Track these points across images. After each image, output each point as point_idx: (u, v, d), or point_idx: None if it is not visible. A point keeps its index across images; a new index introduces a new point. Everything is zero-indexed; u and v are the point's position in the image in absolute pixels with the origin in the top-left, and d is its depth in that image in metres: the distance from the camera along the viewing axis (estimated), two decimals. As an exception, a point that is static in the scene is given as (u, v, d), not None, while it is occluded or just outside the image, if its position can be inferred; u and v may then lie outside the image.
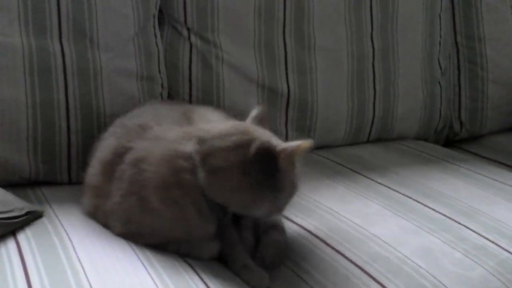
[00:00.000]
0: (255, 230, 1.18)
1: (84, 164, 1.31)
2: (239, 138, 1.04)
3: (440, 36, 1.80)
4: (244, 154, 1.03)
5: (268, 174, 1.04)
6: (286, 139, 1.60)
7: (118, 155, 1.13)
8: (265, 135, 1.08)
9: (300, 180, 1.09)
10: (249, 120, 1.14)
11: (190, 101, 1.52)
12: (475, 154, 1.80)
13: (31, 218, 1.15)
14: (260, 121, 1.14)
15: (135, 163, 1.10)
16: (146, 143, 1.12)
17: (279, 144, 1.05)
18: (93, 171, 1.18)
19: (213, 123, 1.16)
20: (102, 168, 1.16)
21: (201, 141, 1.06)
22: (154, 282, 0.98)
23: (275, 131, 1.48)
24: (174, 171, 1.06)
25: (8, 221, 1.09)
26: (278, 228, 1.17)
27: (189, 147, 1.07)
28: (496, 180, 1.44)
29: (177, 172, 1.06)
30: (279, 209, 1.10)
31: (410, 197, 1.31)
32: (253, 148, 1.03)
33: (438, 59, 1.81)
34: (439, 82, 1.81)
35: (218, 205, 1.08)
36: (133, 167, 1.09)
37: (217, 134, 1.06)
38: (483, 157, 1.76)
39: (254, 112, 1.15)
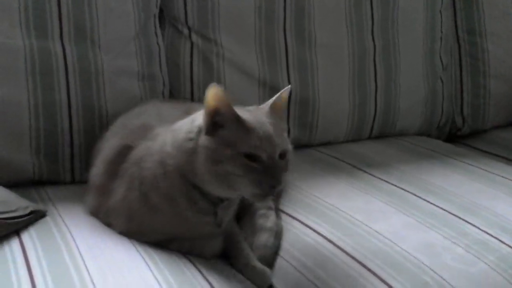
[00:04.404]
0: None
1: (87, 163, 1.32)
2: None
3: (441, 32, 1.80)
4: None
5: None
6: (288, 136, 1.60)
7: (122, 155, 1.15)
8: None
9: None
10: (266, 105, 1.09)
11: (192, 100, 1.52)
12: (477, 149, 1.80)
13: (34, 217, 1.15)
14: (274, 109, 1.08)
15: (137, 161, 1.11)
16: (147, 143, 1.13)
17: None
18: (97, 171, 1.19)
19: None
20: (105, 167, 1.17)
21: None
22: (157, 280, 0.98)
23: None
24: (160, 164, 1.07)
25: (12, 220, 1.10)
26: (269, 230, 1.18)
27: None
28: (498, 175, 1.44)
29: (162, 164, 1.07)
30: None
31: (412, 193, 1.31)
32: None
33: (440, 54, 1.81)
34: (440, 78, 1.81)
35: (211, 197, 1.07)
36: (134, 166, 1.11)
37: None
38: (485, 152, 1.76)
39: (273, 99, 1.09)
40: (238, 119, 1.02)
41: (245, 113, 1.04)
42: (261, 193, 1.01)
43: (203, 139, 1.02)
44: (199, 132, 1.03)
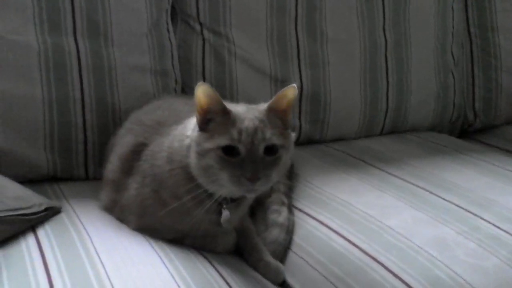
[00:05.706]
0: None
1: (100, 160, 1.33)
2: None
3: (453, 27, 1.80)
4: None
5: None
6: (300, 132, 1.61)
7: (136, 152, 1.16)
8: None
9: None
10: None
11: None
12: (489, 144, 1.80)
13: (49, 213, 1.17)
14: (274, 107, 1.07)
15: (150, 158, 1.12)
16: (160, 139, 1.14)
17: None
18: (112, 167, 1.20)
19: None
20: (121, 164, 1.18)
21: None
22: (171, 274, 0.99)
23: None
24: (168, 160, 1.08)
25: (28, 217, 1.11)
26: (280, 226, 1.18)
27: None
28: (510, 170, 1.43)
29: (169, 160, 1.08)
30: None
31: (424, 189, 1.32)
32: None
33: (451, 49, 1.80)
34: (452, 73, 1.81)
35: (216, 195, 1.05)
36: (147, 162, 1.12)
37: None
38: (497, 148, 1.76)
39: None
40: (225, 113, 1.02)
41: (237, 108, 1.04)
42: (239, 187, 1.00)
43: (195, 135, 1.03)
44: (194, 128, 1.04)
